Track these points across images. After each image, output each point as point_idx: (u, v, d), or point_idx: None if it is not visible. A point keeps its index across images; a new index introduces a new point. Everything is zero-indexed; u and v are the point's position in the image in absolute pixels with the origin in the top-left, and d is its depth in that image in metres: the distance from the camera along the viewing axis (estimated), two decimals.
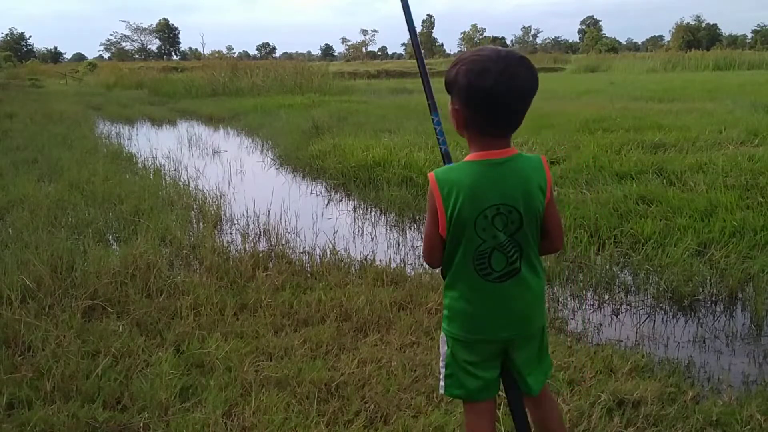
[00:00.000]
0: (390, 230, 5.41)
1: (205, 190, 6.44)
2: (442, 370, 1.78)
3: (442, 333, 1.78)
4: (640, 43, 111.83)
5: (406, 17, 1.94)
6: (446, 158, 1.84)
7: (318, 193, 6.97)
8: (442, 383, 1.79)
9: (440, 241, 1.67)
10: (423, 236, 1.76)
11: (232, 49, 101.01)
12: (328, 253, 4.38)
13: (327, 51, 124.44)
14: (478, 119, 1.60)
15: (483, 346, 1.72)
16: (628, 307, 3.68)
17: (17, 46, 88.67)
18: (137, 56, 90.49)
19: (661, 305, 3.67)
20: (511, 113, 1.59)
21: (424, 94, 2.02)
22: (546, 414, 1.89)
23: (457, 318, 1.72)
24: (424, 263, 1.82)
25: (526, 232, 1.64)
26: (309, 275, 4.03)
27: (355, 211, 6.08)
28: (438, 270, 1.77)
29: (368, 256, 4.36)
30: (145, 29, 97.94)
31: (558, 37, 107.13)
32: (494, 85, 1.52)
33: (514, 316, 1.70)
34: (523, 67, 1.57)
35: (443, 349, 1.77)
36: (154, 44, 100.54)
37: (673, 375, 2.77)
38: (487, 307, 1.68)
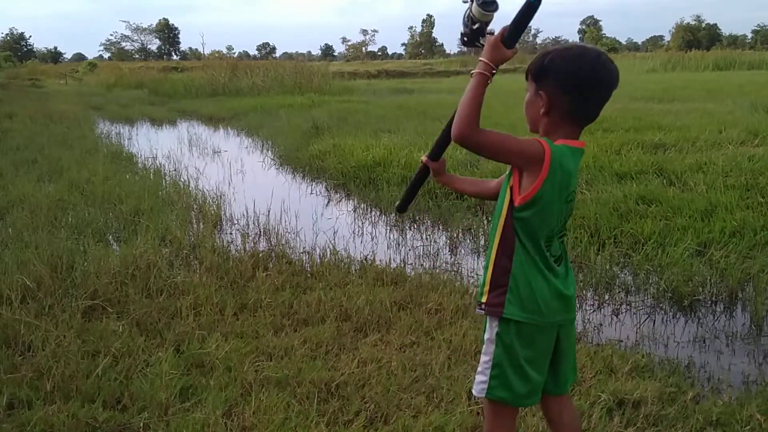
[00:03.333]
0: (390, 230, 5.41)
1: (205, 190, 6.44)
2: (487, 370, 1.71)
3: (489, 330, 1.71)
4: (640, 43, 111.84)
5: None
6: None
7: (318, 193, 6.97)
8: (483, 384, 1.71)
9: (511, 143, 1.62)
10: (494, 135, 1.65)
11: (232, 49, 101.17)
12: (328, 253, 4.38)
13: (327, 51, 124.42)
14: (571, 104, 1.61)
15: (544, 335, 1.71)
16: (628, 307, 3.68)
17: (17, 46, 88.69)
18: (137, 56, 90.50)
19: (661, 305, 3.67)
20: (601, 101, 1.64)
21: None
22: (571, 415, 1.88)
23: (523, 299, 1.65)
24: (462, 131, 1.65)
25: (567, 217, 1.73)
26: (309, 275, 4.02)
27: (355, 211, 6.08)
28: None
29: (368, 256, 4.36)
30: (145, 29, 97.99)
31: (558, 37, 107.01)
32: (592, 70, 1.59)
33: (568, 299, 1.73)
34: (610, 60, 1.63)
35: (491, 348, 1.70)
36: (154, 44, 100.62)
37: (673, 375, 2.77)
38: (555, 287, 1.68)
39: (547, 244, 1.67)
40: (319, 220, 5.68)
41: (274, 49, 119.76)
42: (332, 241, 4.73)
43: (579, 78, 1.59)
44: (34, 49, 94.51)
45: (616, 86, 1.64)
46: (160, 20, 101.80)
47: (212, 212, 5.59)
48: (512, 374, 1.69)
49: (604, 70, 1.60)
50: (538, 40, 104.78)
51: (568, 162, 1.61)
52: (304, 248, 4.66)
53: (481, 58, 1.64)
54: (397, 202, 2.09)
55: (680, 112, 10.95)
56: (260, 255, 4.26)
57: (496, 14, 1.65)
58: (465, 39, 1.75)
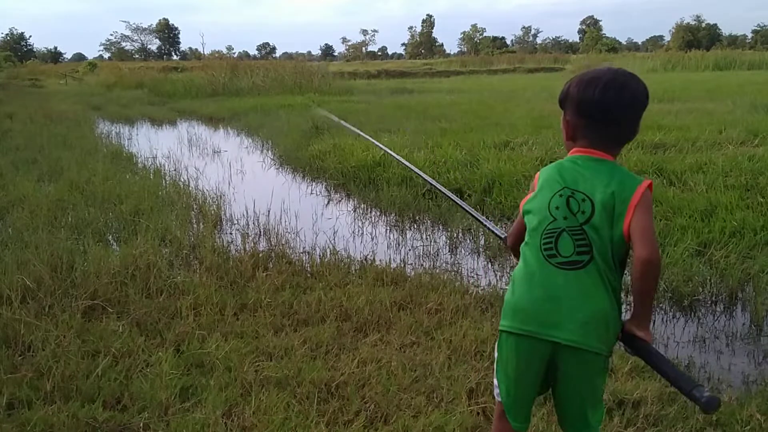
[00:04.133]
0: (390, 230, 5.41)
1: (205, 190, 6.44)
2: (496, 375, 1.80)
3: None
4: (640, 43, 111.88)
5: None
6: None
7: (318, 193, 6.97)
8: (496, 390, 1.81)
9: (522, 227, 1.75)
10: (513, 226, 1.87)
11: (232, 49, 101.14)
12: (328, 253, 4.38)
13: (327, 51, 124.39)
14: (584, 126, 1.69)
15: (529, 345, 1.64)
16: (628, 308, 3.67)
17: (17, 46, 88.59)
18: (137, 56, 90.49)
19: (661, 305, 3.67)
20: (615, 121, 1.66)
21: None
22: None
23: (509, 306, 1.68)
24: (508, 247, 1.94)
25: (597, 226, 1.59)
26: (309, 275, 4.03)
27: (355, 211, 6.08)
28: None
29: (368, 256, 4.36)
30: (145, 29, 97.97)
31: (558, 37, 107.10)
32: (602, 93, 1.64)
33: (567, 313, 1.59)
34: (632, 80, 1.67)
35: (495, 354, 1.79)
36: (154, 44, 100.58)
37: None
38: (543, 292, 1.61)
39: (548, 240, 1.63)
40: (319, 220, 5.68)
41: (274, 49, 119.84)
42: (332, 241, 4.73)
43: (588, 103, 1.67)
44: (34, 49, 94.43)
45: (639, 104, 1.67)
46: (160, 20, 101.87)
47: (212, 212, 5.59)
48: (502, 377, 1.76)
49: (617, 91, 1.64)
50: (538, 40, 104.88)
51: (557, 164, 1.73)
52: (304, 248, 4.66)
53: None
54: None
55: (680, 112, 10.95)
56: (260, 255, 4.26)
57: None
58: None
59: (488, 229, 2.29)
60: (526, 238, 1.70)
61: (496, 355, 1.78)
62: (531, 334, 1.63)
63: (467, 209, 2.48)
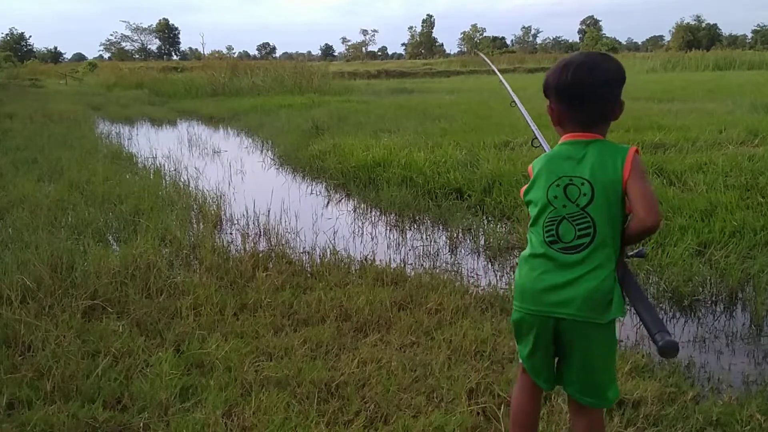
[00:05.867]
0: (390, 230, 5.41)
1: (205, 190, 6.44)
2: None
3: None
4: (640, 43, 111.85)
5: None
6: None
7: (318, 193, 6.97)
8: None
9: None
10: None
11: (232, 49, 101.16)
12: (328, 253, 4.38)
13: (327, 51, 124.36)
14: (566, 110, 1.80)
15: (537, 322, 1.76)
16: (628, 308, 3.67)
17: (17, 46, 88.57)
18: (137, 56, 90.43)
19: (661, 305, 3.67)
20: (591, 100, 1.76)
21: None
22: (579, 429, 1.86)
23: (517, 287, 1.81)
24: None
25: (599, 207, 1.70)
26: (309, 275, 4.03)
27: (355, 211, 6.08)
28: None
29: (368, 256, 4.36)
30: (145, 29, 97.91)
31: (558, 37, 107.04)
32: (574, 75, 1.74)
33: (569, 292, 1.70)
34: (603, 60, 1.78)
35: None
36: (154, 44, 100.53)
37: (673, 375, 2.77)
38: (548, 276, 1.73)
39: (549, 227, 1.74)
40: (319, 220, 5.68)
41: (274, 49, 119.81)
42: (332, 241, 4.73)
43: (563, 88, 1.78)
44: (34, 49, 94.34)
45: (612, 82, 1.76)
46: (160, 20, 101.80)
47: (212, 212, 5.59)
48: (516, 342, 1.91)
49: (589, 72, 1.75)
50: (538, 40, 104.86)
51: (549, 154, 1.85)
52: (304, 248, 4.66)
53: None
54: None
55: (680, 112, 10.95)
56: (260, 255, 4.26)
57: None
58: None
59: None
60: (530, 225, 1.81)
61: (514, 328, 1.89)
62: (536, 312, 1.75)
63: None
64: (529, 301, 1.77)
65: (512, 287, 3.80)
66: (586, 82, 1.74)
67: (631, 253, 1.86)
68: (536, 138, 2.35)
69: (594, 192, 1.70)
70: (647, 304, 1.76)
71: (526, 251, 1.81)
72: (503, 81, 3.27)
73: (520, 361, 1.91)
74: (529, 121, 2.52)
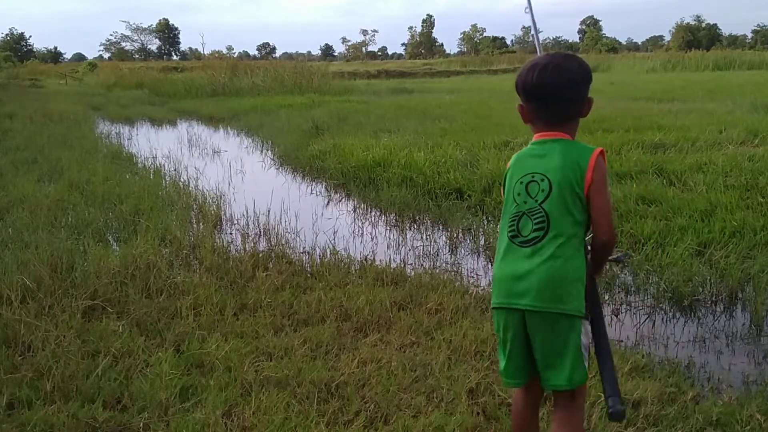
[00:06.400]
0: (390, 230, 5.41)
1: (205, 190, 6.44)
2: None
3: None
4: (640, 43, 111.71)
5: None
6: None
7: (318, 193, 6.97)
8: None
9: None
10: None
11: (232, 49, 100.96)
12: (328, 253, 4.38)
13: (327, 51, 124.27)
14: (533, 109, 1.87)
15: (505, 315, 1.82)
16: (628, 307, 3.68)
17: (17, 46, 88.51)
18: (137, 56, 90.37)
19: (661, 305, 3.67)
20: (555, 100, 1.83)
21: None
22: (559, 418, 1.89)
23: (492, 282, 1.90)
24: None
25: (555, 201, 1.77)
26: (309, 275, 4.03)
27: (355, 211, 6.08)
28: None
29: (368, 256, 4.36)
30: (145, 29, 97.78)
31: (558, 37, 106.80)
32: (539, 76, 1.80)
33: (528, 283, 1.76)
34: (567, 60, 1.84)
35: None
36: (154, 44, 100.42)
37: (673, 375, 2.77)
38: (510, 269, 1.80)
39: (512, 223, 1.82)
40: (319, 220, 5.68)
41: (274, 49, 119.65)
42: (332, 241, 4.73)
43: (529, 88, 1.85)
44: (34, 49, 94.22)
45: (576, 83, 1.83)
46: (160, 20, 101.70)
47: (212, 212, 5.59)
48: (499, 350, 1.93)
49: (553, 73, 1.81)
50: None
51: (519, 153, 1.92)
52: (304, 248, 4.66)
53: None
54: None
55: (680, 112, 10.95)
56: (260, 255, 4.26)
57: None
58: None
59: None
60: (501, 222, 1.91)
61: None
62: (503, 305, 1.83)
63: None
64: (497, 294, 1.85)
65: None
66: (549, 83, 1.80)
67: (611, 257, 1.96)
68: None
69: (551, 188, 1.77)
70: (611, 364, 1.82)
71: (497, 248, 1.89)
72: None
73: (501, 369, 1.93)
74: None
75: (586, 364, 1.83)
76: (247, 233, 4.96)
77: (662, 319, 3.56)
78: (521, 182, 1.83)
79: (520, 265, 1.78)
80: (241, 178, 7.81)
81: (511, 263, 1.80)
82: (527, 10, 2.70)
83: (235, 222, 5.53)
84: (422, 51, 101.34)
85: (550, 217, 1.77)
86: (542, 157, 1.83)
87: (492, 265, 4.43)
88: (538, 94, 1.83)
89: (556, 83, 1.80)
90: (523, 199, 1.81)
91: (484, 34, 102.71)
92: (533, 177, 1.81)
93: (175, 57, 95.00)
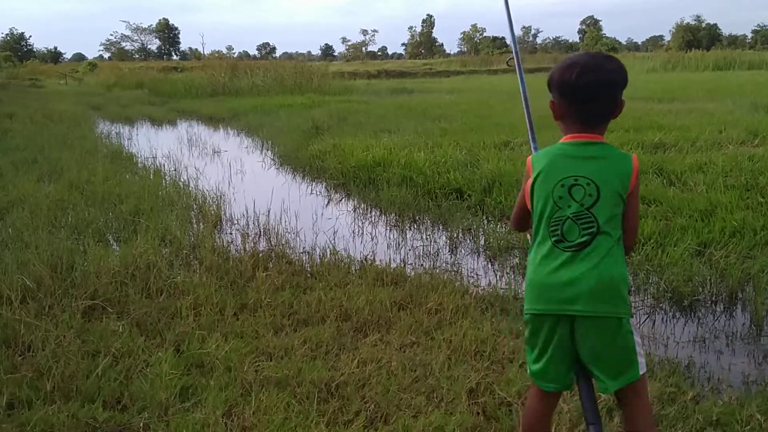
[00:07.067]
0: (390, 230, 5.41)
1: (205, 190, 6.44)
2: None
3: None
4: (640, 43, 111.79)
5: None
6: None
7: (318, 193, 6.97)
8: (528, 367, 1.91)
9: (527, 212, 1.88)
10: (514, 207, 2.00)
11: (232, 49, 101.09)
12: (328, 253, 4.38)
13: (327, 51, 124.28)
14: (569, 109, 1.82)
15: (550, 323, 1.77)
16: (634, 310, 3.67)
17: (17, 46, 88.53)
18: (137, 56, 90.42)
19: (661, 305, 3.67)
20: (594, 101, 1.79)
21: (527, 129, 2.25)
22: (628, 415, 1.85)
23: (528, 289, 1.81)
24: (511, 228, 2.07)
25: (604, 206, 1.74)
26: (309, 275, 4.02)
27: (355, 211, 6.08)
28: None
29: (368, 256, 4.36)
30: (145, 29, 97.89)
31: (558, 37, 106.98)
32: (579, 75, 1.77)
33: (578, 288, 1.71)
34: (607, 61, 1.81)
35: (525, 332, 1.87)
36: (154, 44, 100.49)
37: (673, 375, 2.77)
38: (556, 275, 1.75)
39: (555, 227, 1.76)
40: (319, 220, 5.68)
41: (274, 49, 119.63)
42: (332, 241, 4.73)
43: (567, 87, 1.81)
44: (34, 49, 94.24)
45: (615, 84, 1.79)
46: (160, 20, 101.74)
47: (212, 212, 5.59)
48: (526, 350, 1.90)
49: (592, 73, 1.77)
50: (538, 40, 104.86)
51: (550, 153, 1.84)
52: (304, 248, 4.66)
53: None
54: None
55: (680, 112, 10.95)
56: (260, 255, 4.26)
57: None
58: None
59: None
60: (533, 225, 1.83)
61: (526, 333, 1.87)
62: (550, 311, 1.76)
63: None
64: (540, 300, 1.78)
65: (512, 287, 3.82)
66: (590, 84, 1.77)
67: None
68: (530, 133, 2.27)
69: (600, 193, 1.74)
70: (593, 394, 1.84)
71: (533, 253, 1.82)
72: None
73: (529, 373, 1.90)
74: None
75: (642, 360, 1.81)
76: (247, 233, 4.96)
77: (662, 319, 3.56)
78: (562, 185, 1.77)
79: (569, 271, 1.73)
80: (241, 178, 7.81)
81: (557, 268, 1.75)
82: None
83: (235, 222, 5.53)
84: (422, 51, 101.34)
85: (599, 222, 1.73)
86: (584, 160, 1.78)
87: (492, 264, 4.46)
88: (578, 93, 1.79)
89: (597, 84, 1.77)
90: (567, 202, 1.76)
91: (484, 34, 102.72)
92: (576, 180, 1.76)
93: (175, 57, 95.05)
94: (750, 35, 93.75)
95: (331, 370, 2.77)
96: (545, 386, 1.86)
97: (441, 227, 5.38)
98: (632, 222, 1.81)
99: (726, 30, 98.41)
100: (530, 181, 1.84)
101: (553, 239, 1.76)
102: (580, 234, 1.73)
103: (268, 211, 5.38)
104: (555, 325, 1.77)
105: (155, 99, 20.47)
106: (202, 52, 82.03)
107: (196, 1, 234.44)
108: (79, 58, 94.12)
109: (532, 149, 2.10)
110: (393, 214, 5.77)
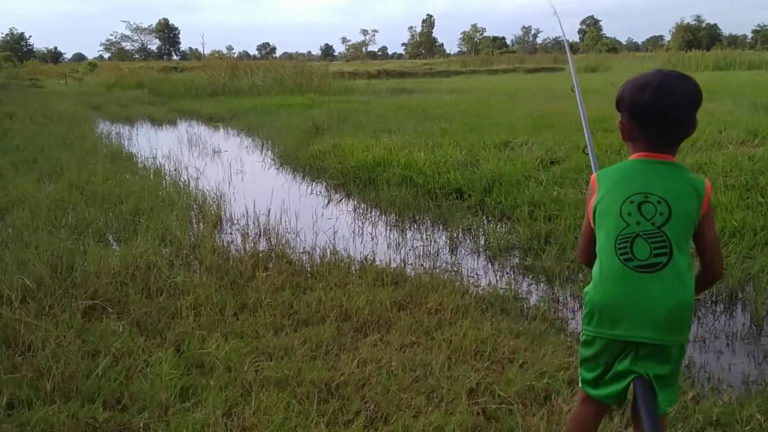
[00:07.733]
0: (390, 230, 5.41)
1: (205, 190, 6.44)
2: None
3: None
4: (640, 43, 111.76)
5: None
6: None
7: (318, 193, 6.97)
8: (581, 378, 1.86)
9: (593, 236, 1.78)
10: (579, 237, 1.93)
11: (232, 49, 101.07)
12: (328, 253, 4.38)
13: (327, 51, 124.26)
14: (640, 130, 1.75)
15: (619, 347, 1.71)
16: None
17: (17, 46, 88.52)
18: (137, 56, 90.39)
19: None
20: (668, 123, 1.72)
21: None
22: None
23: (594, 309, 1.73)
24: (579, 261, 1.97)
25: (676, 227, 1.67)
26: (309, 275, 4.03)
27: (355, 211, 6.08)
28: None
29: (368, 256, 4.36)
30: (145, 29, 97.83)
31: (558, 37, 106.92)
32: (652, 97, 1.69)
33: (650, 314, 1.66)
34: (681, 80, 1.72)
35: (581, 350, 1.83)
36: (154, 44, 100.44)
37: None
38: (628, 297, 1.67)
39: (623, 245, 1.69)
40: (319, 220, 5.68)
41: (274, 49, 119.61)
42: (332, 241, 4.73)
43: (640, 108, 1.73)
44: (34, 49, 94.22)
45: (690, 104, 1.72)
46: (160, 20, 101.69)
47: (212, 212, 5.59)
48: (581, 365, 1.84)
49: (666, 94, 1.70)
50: (538, 40, 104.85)
51: (618, 169, 1.79)
52: (304, 248, 4.66)
53: None
54: None
55: None
56: (260, 255, 4.26)
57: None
58: None
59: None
60: (599, 243, 1.75)
61: (581, 351, 1.82)
62: (617, 337, 1.70)
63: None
64: (610, 325, 1.71)
65: (512, 287, 3.82)
66: (663, 106, 1.70)
67: None
68: (587, 147, 2.28)
69: (671, 213, 1.67)
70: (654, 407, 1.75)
71: (598, 273, 1.74)
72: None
73: (581, 385, 1.86)
74: (585, 132, 2.43)
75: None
76: (247, 233, 4.96)
77: None
78: (631, 201, 1.70)
79: (642, 296, 1.66)
80: (241, 178, 7.81)
81: (629, 291, 1.68)
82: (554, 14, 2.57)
83: (235, 222, 5.53)
84: (422, 51, 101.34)
85: (672, 243, 1.66)
86: (655, 178, 1.71)
87: (492, 264, 4.46)
88: (649, 115, 1.71)
89: (671, 106, 1.69)
90: (636, 219, 1.68)
91: (484, 34, 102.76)
92: (646, 197, 1.69)
93: (175, 57, 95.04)
94: (750, 35, 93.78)
95: (331, 370, 2.77)
96: (598, 395, 1.81)
97: (441, 227, 5.38)
98: (714, 249, 1.74)
99: (726, 30, 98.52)
100: (594, 197, 1.77)
101: (622, 258, 1.68)
102: (651, 254, 1.66)
103: (268, 211, 5.38)
104: (624, 348, 1.71)
105: (155, 99, 20.45)
106: (202, 52, 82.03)
107: (196, 1, 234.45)
108: (79, 58, 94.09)
109: (593, 168, 2.04)
110: (393, 214, 5.77)
